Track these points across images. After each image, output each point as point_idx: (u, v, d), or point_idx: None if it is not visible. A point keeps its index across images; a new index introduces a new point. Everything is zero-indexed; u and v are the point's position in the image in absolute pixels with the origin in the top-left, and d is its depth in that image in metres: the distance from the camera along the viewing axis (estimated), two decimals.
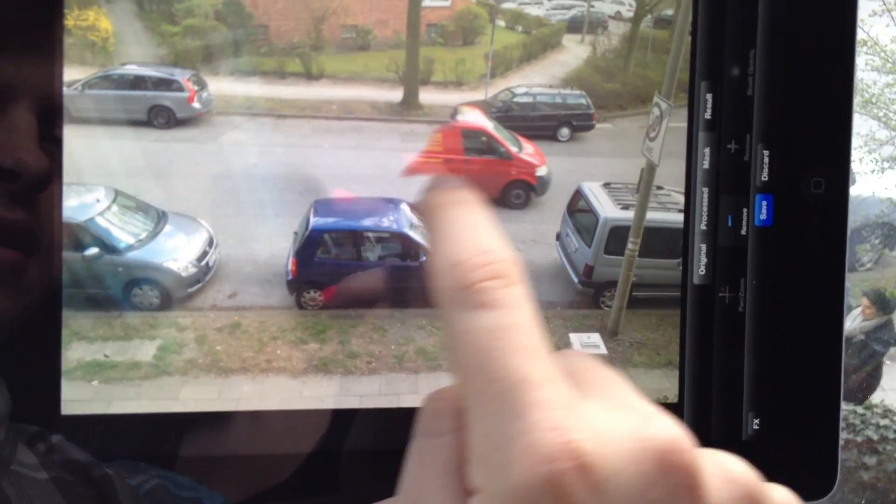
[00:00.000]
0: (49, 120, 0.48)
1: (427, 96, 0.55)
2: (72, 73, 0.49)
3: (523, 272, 0.28)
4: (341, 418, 0.52)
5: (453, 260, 0.27)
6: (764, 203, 0.53)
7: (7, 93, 0.47)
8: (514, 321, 0.26)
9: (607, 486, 0.24)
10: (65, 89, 0.48)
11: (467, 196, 0.30)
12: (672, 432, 0.26)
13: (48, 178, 0.47)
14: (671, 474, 0.25)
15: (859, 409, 2.91)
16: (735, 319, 0.53)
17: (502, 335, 0.26)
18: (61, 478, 0.49)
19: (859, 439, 2.85)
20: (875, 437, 2.87)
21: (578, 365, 0.29)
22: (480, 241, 0.28)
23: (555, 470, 0.24)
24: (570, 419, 0.25)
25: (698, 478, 0.26)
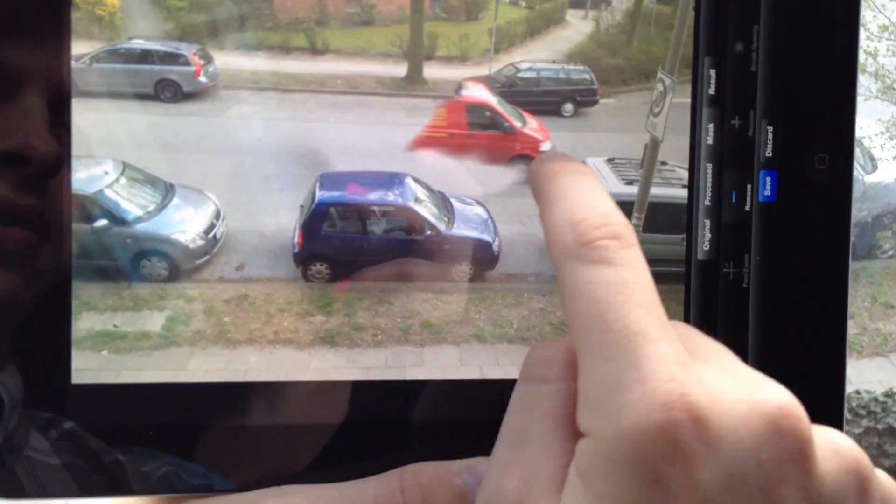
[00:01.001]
0: (59, 104, 0.48)
1: (431, 71, 0.55)
2: (79, 48, 0.49)
3: (637, 239, 0.29)
4: (347, 390, 0.53)
5: (574, 218, 0.29)
6: (768, 179, 0.53)
7: (17, 78, 0.48)
8: (633, 279, 0.28)
9: (720, 442, 0.25)
10: (73, 63, 0.49)
11: (582, 166, 0.32)
12: (786, 399, 0.26)
13: (58, 162, 0.48)
14: (783, 439, 0.26)
15: (880, 397, 2.90)
16: (739, 295, 0.54)
17: (622, 290, 0.27)
18: (73, 463, 0.50)
19: (880, 427, 2.83)
20: None
21: (689, 333, 0.30)
22: (599, 205, 0.30)
23: (670, 418, 0.25)
24: (685, 374, 0.26)
25: (809, 446, 0.26)
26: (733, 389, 0.27)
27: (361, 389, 0.53)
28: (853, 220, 0.54)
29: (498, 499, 0.28)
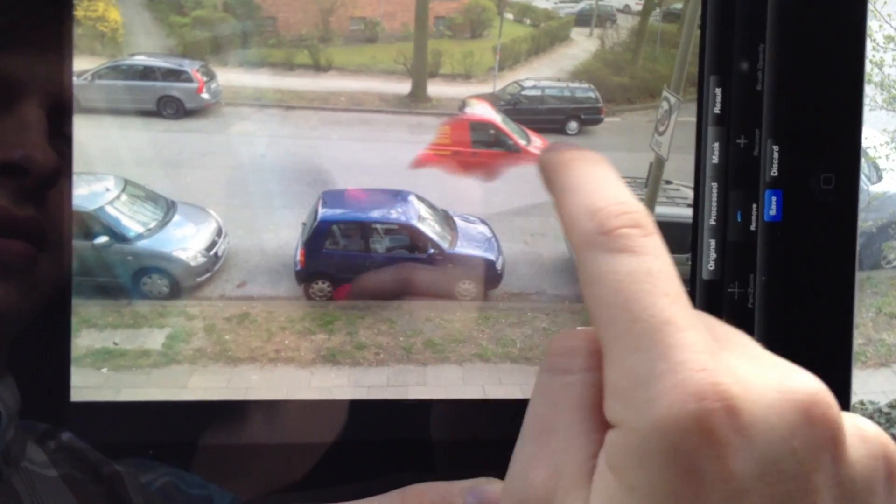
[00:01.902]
0: (59, 116, 0.48)
1: (435, 89, 0.55)
2: (82, 64, 0.49)
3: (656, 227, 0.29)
4: (349, 409, 0.52)
5: (593, 207, 0.29)
6: (773, 198, 0.53)
7: (17, 90, 0.48)
8: (657, 267, 0.27)
9: (753, 431, 0.25)
10: (75, 79, 0.49)
11: (594, 154, 0.31)
12: (815, 386, 0.26)
13: (57, 173, 0.48)
14: (815, 426, 0.26)
15: (884, 408, 2.88)
16: (744, 315, 0.53)
17: (646, 279, 0.27)
18: (71, 475, 0.50)
19: None
20: None
21: (710, 322, 0.29)
22: (617, 193, 0.29)
23: (703, 408, 0.24)
24: (716, 363, 0.25)
25: (840, 433, 0.26)
26: (762, 377, 0.26)
27: (363, 408, 0.53)
28: (859, 230, 0.54)
29: (525, 491, 0.27)
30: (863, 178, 0.53)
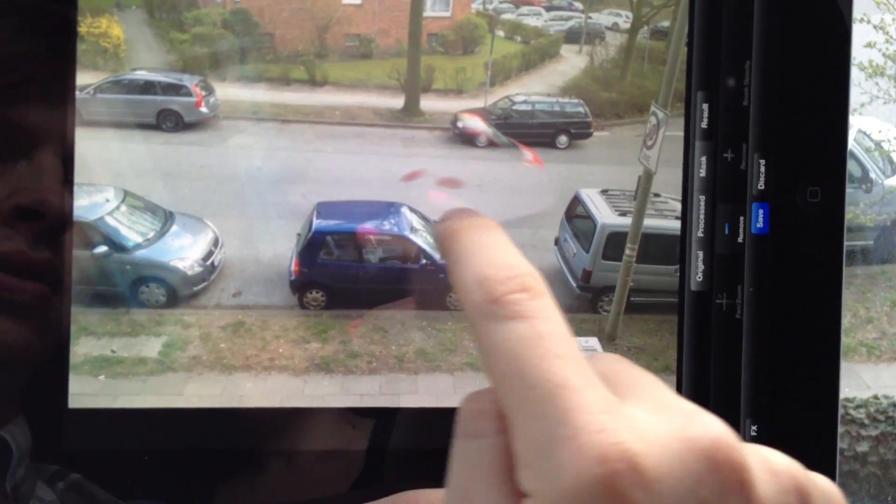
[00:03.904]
0: (71, 163, 0.50)
1: (428, 103, 0.56)
2: (84, 78, 0.51)
3: (546, 286, 0.29)
4: (342, 417, 0.53)
5: (481, 276, 0.29)
6: (760, 211, 0.54)
7: (34, 138, 0.50)
8: (547, 330, 0.27)
9: (660, 486, 0.25)
10: (77, 93, 0.50)
11: (486, 220, 0.32)
12: (717, 430, 0.26)
13: (71, 217, 0.49)
14: (720, 472, 0.26)
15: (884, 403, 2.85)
16: (732, 326, 0.54)
17: (537, 343, 0.27)
18: None
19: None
20: None
21: (612, 367, 0.29)
22: (505, 258, 0.29)
23: (608, 471, 0.24)
24: (615, 421, 0.25)
25: (747, 474, 0.26)
26: (665, 427, 0.26)
27: (356, 416, 0.53)
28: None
29: None
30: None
